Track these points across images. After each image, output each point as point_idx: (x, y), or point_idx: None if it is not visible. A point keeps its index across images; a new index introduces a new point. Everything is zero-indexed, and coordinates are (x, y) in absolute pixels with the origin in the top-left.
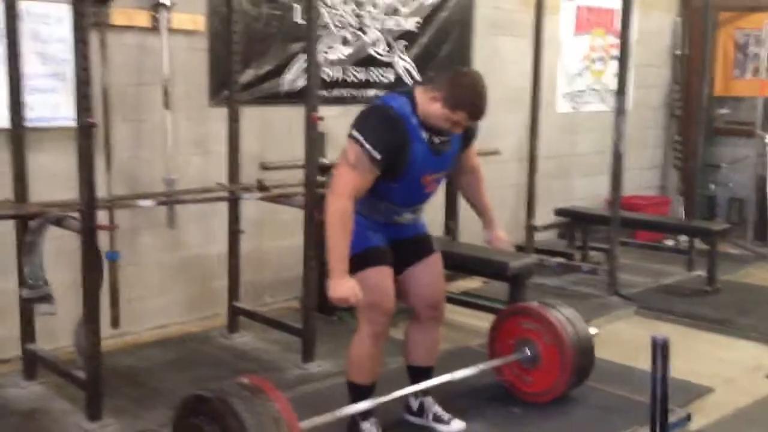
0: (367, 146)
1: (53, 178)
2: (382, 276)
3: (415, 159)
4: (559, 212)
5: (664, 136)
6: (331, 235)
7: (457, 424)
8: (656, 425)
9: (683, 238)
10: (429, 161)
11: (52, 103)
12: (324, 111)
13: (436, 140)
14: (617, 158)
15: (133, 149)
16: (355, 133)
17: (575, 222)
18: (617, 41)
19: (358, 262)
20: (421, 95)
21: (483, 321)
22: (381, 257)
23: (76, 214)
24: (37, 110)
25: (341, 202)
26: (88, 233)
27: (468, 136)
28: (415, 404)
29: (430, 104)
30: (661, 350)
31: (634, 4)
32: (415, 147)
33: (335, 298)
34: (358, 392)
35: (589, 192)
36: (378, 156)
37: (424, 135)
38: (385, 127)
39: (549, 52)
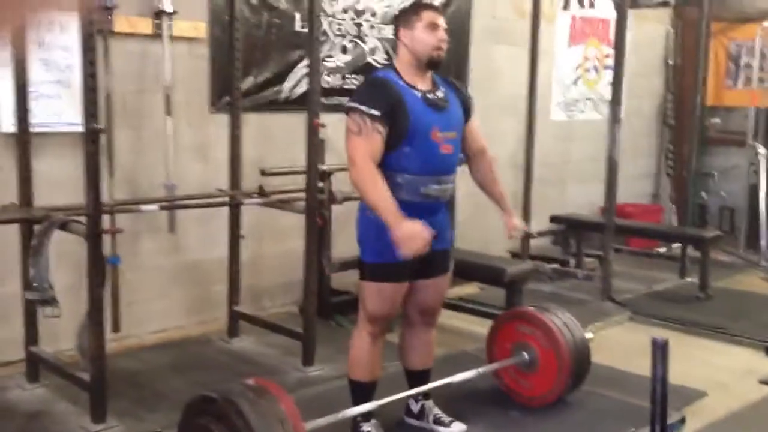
0: (363, 108)
1: (55, 182)
2: (396, 292)
3: (413, 110)
4: (554, 219)
5: (656, 145)
6: (372, 197)
7: (458, 426)
8: (656, 425)
9: (675, 246)
10: (431, 115)
11: (55, 109)
12: (322, 118)
13: (430, 95)
14: (612, 166)
15: (135, 155)
16: (350, 104)
17: (570, 229)
18: (611, 51)
19: (380, 272)
20: (398, 58)
21: (479, 326)
22: (402, 274)
23: (81, 218)
24: (41, 116)
25: (364, 168)
26: (94, 237)
27: (466, 108)
28: (415, 407)
29: (408, 42)
30: (661, 351)
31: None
32: (409, 99)
33: (404, 239)
34: (359, 390)
35: (582, 200)
36: (376, 112)
37: (416, 92)
38: (374, 88)
39: (544, 61)
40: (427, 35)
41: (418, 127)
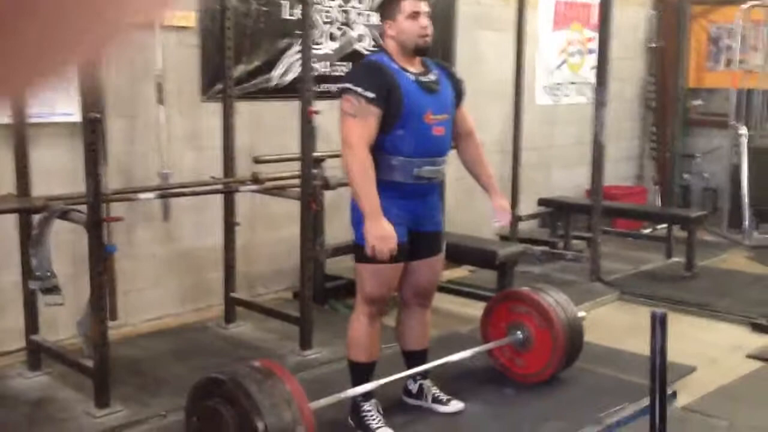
0: (358, 90)
1: (51, 173)
2: (394, 272)
3: (407, 93)
4: (542, 202)
5: (639, 127)
6: (358, 185)
7: (456, 404)
8: (656, 394)
9: (660, 227)
10: (424, 99)
11: (49, 100)
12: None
13: (423, 78)
14: (598, 148)
15: (128, 144)
16: (345, 85)
17: (558, 211)
18: (594, 35)
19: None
20: (386, 43)
21: (471, 308)
22: (399, 254)
23: (81, 207)
24: (35, 106)
25: (358, 153)
26: (95, 225)
27: (457, 92)
28: (414, 387)
29: (393, 34)
30: (660, 323)
31: None
32: (403, 83)
33: (375, 237)
34: (359, 371)
35: (568, 182)
36: (371, 94)
37: (409, 75)
38: (368, 70)
39: (528, 45)
40: (410, 24)
41: (411, 110)
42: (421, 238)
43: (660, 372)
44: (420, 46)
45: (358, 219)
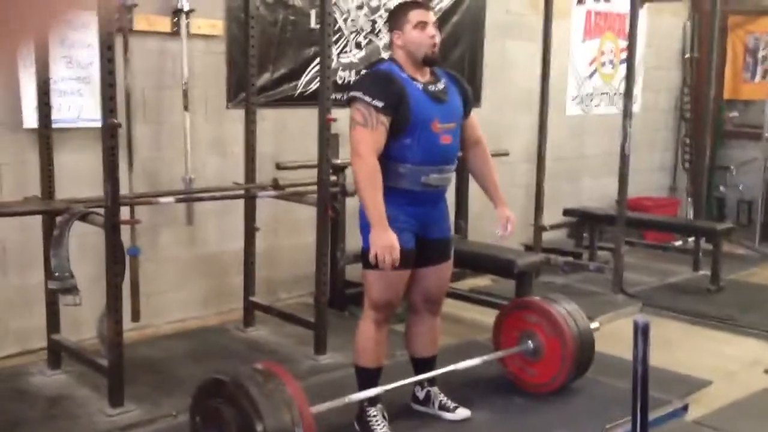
0: (367, 98)
1: (78, 177)
2: (400, 279)
3: (416, 103)
4: (567, 212)
5: (674, 138)
6: (365, 195)
7: (462, 411)
8: (637, 405)
9: (691, 239)
10: (432, 107)
11: (77, 105)
12: (337, 113)
13: (430, 87)
14: (624, 159)
15: (154, 150)
16: (353, 95)
17: (583, 222)
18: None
19: None
20: (395, 53)
21: (490, 317)
22: (406, 261)
23: (100, 210)
24: (63, 112)
25: (366, 162)
26: (112, 228)
27: (466, 100)
28: (421, 394)
29: (401, 44)
30: (642, 332)
31: (642, 8)
32: (411, 91)
33: (379, 246)
34: (365, 376)
35: (598, 193)
36: (380, 104)
37: (417, 84)
38: (377, 79)
39: (559, 55)
40: (417, 34)
41: (419, 119)
42: (428, 245)
43: (642, 382)
44: (428, 56)
45: (364, 225)
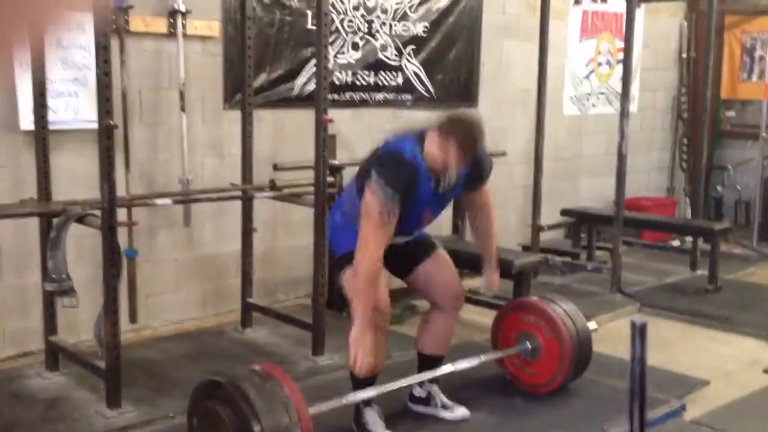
0: (390, 192)
1: (73, 178)
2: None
3: (419, 199)
4: (565, 212)
5: (671, 138)
6: (361, 293)
7: (461, 410)
8: (634, 405)
9: (689, 239)
10: (431, 201)
11: (73, 107)
12: (334, 114)
13: (442, 184)
14: (621, 159)
15: (151, 151)
16: (378, 183)
17: (580, 222)
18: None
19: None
20: (429, 137)
21: (487, 317)
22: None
23: (97, 212)
24: (60, 113)
25: (373, 264)
26: (109, 230)
27: (480, 177)
28: (421, 393)
29: (433, 142)
30: (639, 332)
31: (639, 8)
32: (422, 190)
33: (361, 346)
34: (359, 382)
35: (596, 193)
36: (396, 202)
37: (432, 182)
38: (399, 174)
39: (556, 56)
40: (439, 154)
41: (415, 206)
42: (407, 247)
43: (640, 382)
44: (436, 172)
45: (334, 232)
